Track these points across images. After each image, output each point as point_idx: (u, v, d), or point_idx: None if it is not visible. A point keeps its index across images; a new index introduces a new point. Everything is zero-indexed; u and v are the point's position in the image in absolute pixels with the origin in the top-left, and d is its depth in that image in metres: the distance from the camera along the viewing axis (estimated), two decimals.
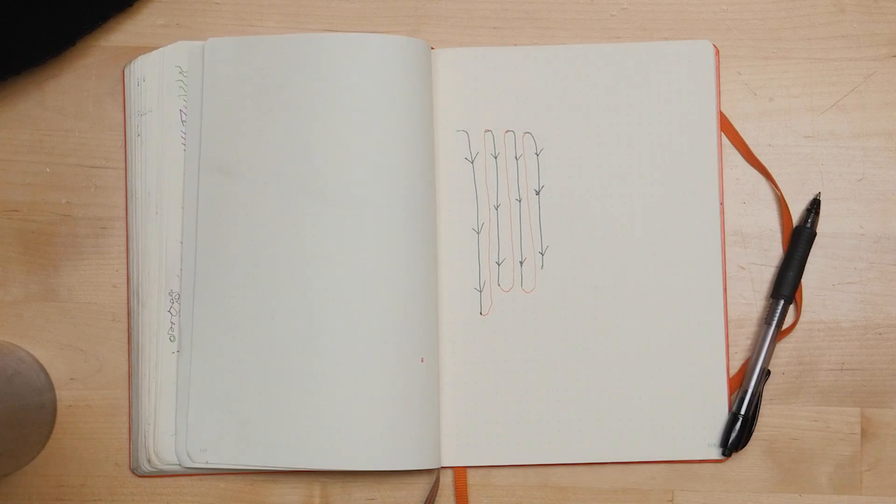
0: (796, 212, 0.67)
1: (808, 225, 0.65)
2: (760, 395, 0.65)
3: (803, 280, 0.66)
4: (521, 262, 0.66)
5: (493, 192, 0.67)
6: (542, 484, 0.66)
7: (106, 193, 0.68)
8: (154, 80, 0.67)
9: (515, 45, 0.67)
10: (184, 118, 0.67)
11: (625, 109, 0.67)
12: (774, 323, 0.65)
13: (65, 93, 0.68)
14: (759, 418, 0.65)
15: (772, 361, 0.66)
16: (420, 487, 0.66)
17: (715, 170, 0.66)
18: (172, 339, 0.65)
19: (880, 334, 0.66)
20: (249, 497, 0.66)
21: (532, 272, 0.66)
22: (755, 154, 0.67)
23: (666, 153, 0.66)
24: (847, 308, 0.66)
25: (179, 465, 0.64)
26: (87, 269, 0.67)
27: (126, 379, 0.67)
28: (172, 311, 0.66)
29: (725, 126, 0.67)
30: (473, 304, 0.66)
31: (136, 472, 0.66)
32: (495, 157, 0.67)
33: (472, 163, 0.67)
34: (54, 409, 0.67)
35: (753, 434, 0.65)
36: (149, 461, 0.65)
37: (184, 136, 0.67)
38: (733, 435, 0.64)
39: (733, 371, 0.66)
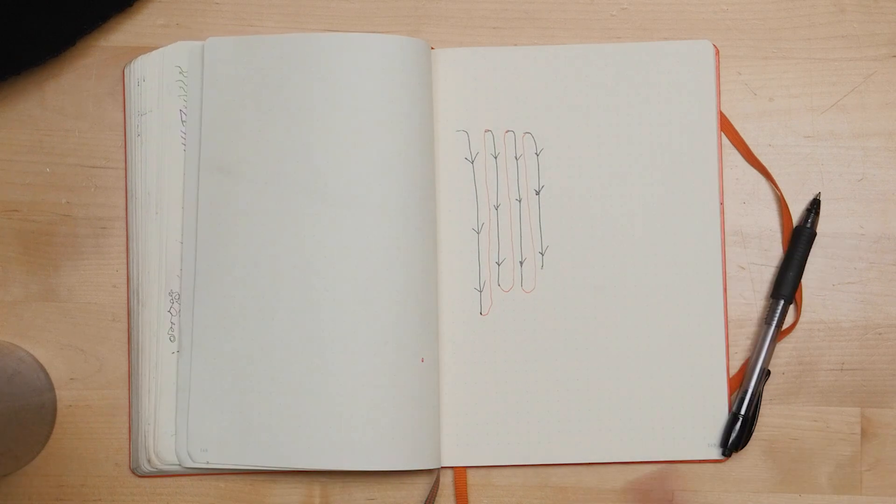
0: (796, 212, 0.67)
1: (808, 225, 0.65)
2: (760, 395, 0.65)
3: (803, 280, 0.66)
4: (521, 262, 0.66)
5: (493, 192, 0.67)
6: (542, 484, 0.66)
7: (106, 193, 0.68)
8: (154, 80, 0.67)
9: (515, 45, 0.67)
10: (184, 118, 0.67)
11: (625, 109, 0.67)
12: (774, 323, 0.65)
13: (65, 93, 0.68)
14: (759, 418, 0.65)
15: (772, 361, 0.66)
16: (420, 487, 0.66)
17: (715, 170, 0.66)
18: (172, 339, 0.65)
19: (880, 334, 0.66)
20: (249, 497, 0.66)
21: (532, 272, 0.66)
22: (755, 154, 0.67)
23: (666, 153, 0.66)
24: (847, 308, 0.66)
25: (179, 465, 0.65)
26: (87, 269, 0.67)
27: (126, 379, 0.67)
28: (172, 311, 0.66)
29: (725, 126, 0.67)
30: (473, 304, 0.66)
31: (136, 472, 0.66)
32: (495, 157, 0.67)
33: (472, 163, 0.67)
34: (54, 409, 0.67)
35: (753, 434, 0.65)
36: (149, 461, 0.65)
37: (184, 136, 0.67)
38: (733, 435, 0.64)
39: (733, 371, 0.66)
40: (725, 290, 0.66)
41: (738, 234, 0.67)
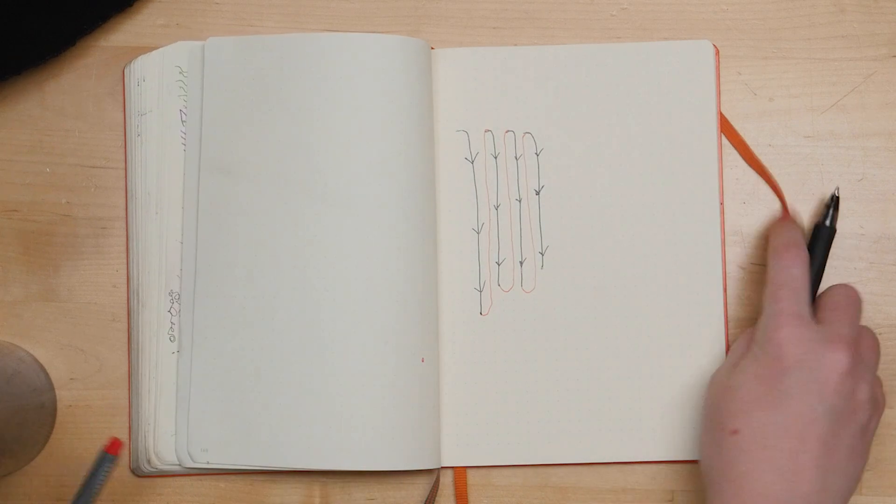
0: (798, 212, 0.66)
1: (828, 223, 0.64)
2: None
3: None
4: (521, 262, 0.66)
5: (493, 192, 0.67)
6: (542, 484, 0.66)
7: (106, 193, 0.68)
8: (154, 80, 0.67)
9: (515, 45, 0.67)
10: (184, 118, 0.67)
11: (625, 109, 0.67)
12: None
13: (65, 93, 0.68)
14: None
15: None
16: (420, 487, 0.66)
17: (715, 170, 0.66)
18: (172, 339, 0.65)
19: (880, 334, 0.66)
20: (249, 497, 0.66)
21: (532, 272, 0.66)
22: (756, 154, 0.67)
23: (666, 153, 0.66)
24: None
25: (180, 465, 0.64)
26: (87, 269, 0.67)
27: (126, 379, 0.67)
28: (172, 311, 0.66)
29: (725, 127, 0.67)
30: (473, 304, 0.66)
31: (136, 472, 0.66)
32: (495, 157, 0.67)
33: (472, 163, 0.67)
34: (54, 409, 0.67)
35: None
36: (149, 461, 0.65)
37: (184, 136, 0.67)
38: None
39: None
40: (725, 290, 0.66)
41: (738, 234, 0.67)
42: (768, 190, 0.67)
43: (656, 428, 0.65)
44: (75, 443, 0.67)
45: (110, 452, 0.60)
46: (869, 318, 0.66)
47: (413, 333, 0.63)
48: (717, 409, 0.59)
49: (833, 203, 0.65)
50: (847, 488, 0.57)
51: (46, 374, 0.67)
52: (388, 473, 0.66)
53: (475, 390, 0.66)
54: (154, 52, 0.67)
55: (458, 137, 0.67)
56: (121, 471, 0.66)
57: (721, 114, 0.67)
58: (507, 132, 0.67)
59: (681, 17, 0.67)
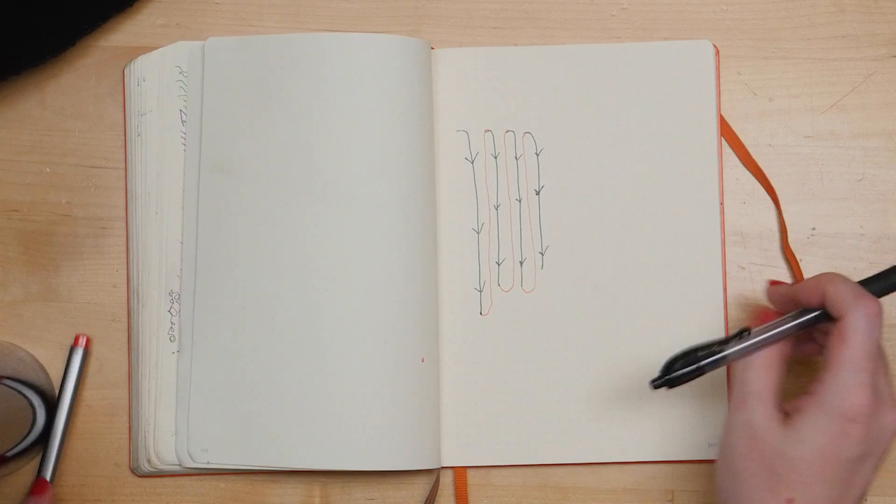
0: (793, 213, 0.66)
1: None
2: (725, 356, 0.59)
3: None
4: (521, 262, 0.66)
5: (493, 192, 0.67)
6: (542, 484, 0.66)
7: (106, 193, 0.68)
8: (154, 80, 0.67)
9: (515, 45, 0.67)
10: (184, 118, 0.67)
11: (625, 109, 0.67)
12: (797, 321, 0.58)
13: (65, 93, 0.68)
14: None
15: None
16: (420, 487, 0.66)
17: (715, 170, 0.66)
18: (172, 339, 0.65)
19: None
20: (249, 497, 0.66)
21: (532, 272, 0.66)
22: (755, 155, 0.67)
23: (666, 153, 0.66)
24: None
25: (180, 465, 0.64)
26: (87, 269, 0.67)
27: (126, 379, 0.67)
28: (172, 311, 0.66)
29: (724, 129, 0.67)
30: (473, 304, 0.66)
31: (136, 472, 0.66)
32: (495, 157, 0.67)
33: (472, 163, 0.67)
34: (54, 409, 0.67)
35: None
36: (149, 461, 0.65)
37: (184, 136, 0.67)
38: (677, 369, 0.57)
39: None
40: (725, 290, 0.66)
41: (738, 234, 0.67)
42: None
43: (656, 428, 0.65)
44: (75, 443, 0.67)
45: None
46: None
47: (413, 333, 0.64)
48: (769, 472, 0.54)
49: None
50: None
51: (46, 374, 0.67)
52: (388, 473, 0.66)
53: (475, 390, 0.66)
54: (154, 52, 0.67)
55: (458, 137, 0.67)
56: (121, 471, 0.66)
57: (720, 116, 0.67)
58: (507, 132, 0.67)
59: (681, 17, 0.67)
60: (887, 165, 0.67)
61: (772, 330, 0.56)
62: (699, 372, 0.57)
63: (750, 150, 0.67)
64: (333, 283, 0.63)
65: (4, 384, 0.62)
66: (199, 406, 0.64)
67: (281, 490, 0.66)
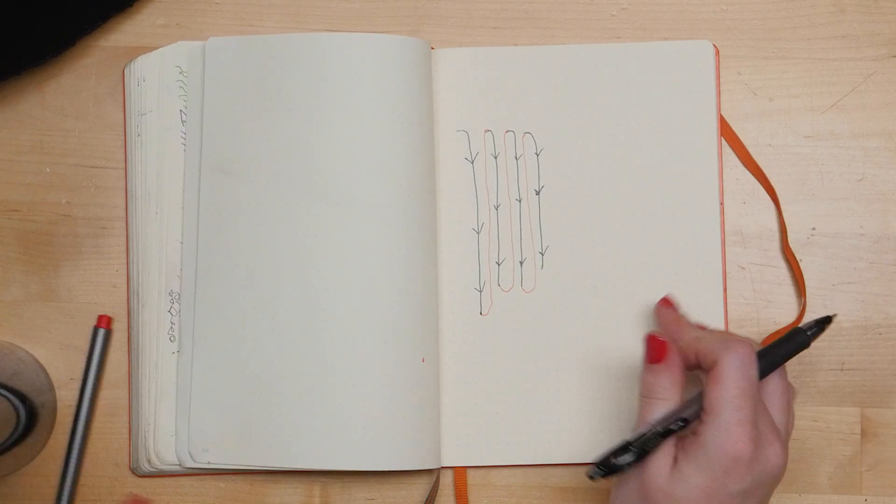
0: (794, 213, 0.66)
1: (809, 333, 0.58)
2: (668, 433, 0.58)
3: (805, 280, 0.66)
4: (521, 262, 0.66)
5: (493, 192, 0.67)
6: (542, 484, 0.66)
7: (106, 193, 0.68)
8: (154, 80, 0.67)
9: (515, 45, 0.67)
10: (184, 118, 0.67)
11: (625, 109, 0.67)
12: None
13: (65, 93, 0.68)
14: None
15: None
16: (420, 487, 0.66)
17: (715, 170, 0.66)
18: (172, 339, 0.65)
19: (880, 334, 0.66)
20: (249, 497, 0.66)
21: (532, 272, 0.66)
22: (755, 155, 0.67)
23: (666, 153, 0.66)
24: (847, 308, 0.66)
25: (180, 465, 0.64)
26: (87, 269, 0.67)
27: (126, 379, 0.67)
28: (172, 311, 0.66)
29: (724, 129, 0.67)
30: (473, 304, 0.66)
31: (136, 472, 0.66)
32: (495, 157, 0.67)
33: (472, 163, 0.67)
34: (54, 409, 0.67)
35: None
36: (149, 461, 0.65)
37: (184, 136, 0.67)
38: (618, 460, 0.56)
39: None
40: (725, 290, 0.66)
41: (738, 234, 0.67)
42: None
43: None
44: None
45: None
46: (869, 317, 0.66)
47: (413, 333, 0.64)
48: None
49: (825, 321, 0.58)
50: None
51: (46, 374, 0.67)
52: (388, 473, 0.66)
53: (475, 390, 0.66)
54: (154, 52, 0.67)
55: (458, 137, 0.67)
56: (121, 471, 0.66)
57: (720, 116, 0.67)
58: (507, 132, 0.67)
59: (681, 17, 0.67)
60: (887, 165, 0.67)
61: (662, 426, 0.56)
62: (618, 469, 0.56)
63: (750, 150, 0.67)
64: (333, 283, 0.63)
65: None
66: (199, 406, 0.64)
67: (281, 490, 0.66)
